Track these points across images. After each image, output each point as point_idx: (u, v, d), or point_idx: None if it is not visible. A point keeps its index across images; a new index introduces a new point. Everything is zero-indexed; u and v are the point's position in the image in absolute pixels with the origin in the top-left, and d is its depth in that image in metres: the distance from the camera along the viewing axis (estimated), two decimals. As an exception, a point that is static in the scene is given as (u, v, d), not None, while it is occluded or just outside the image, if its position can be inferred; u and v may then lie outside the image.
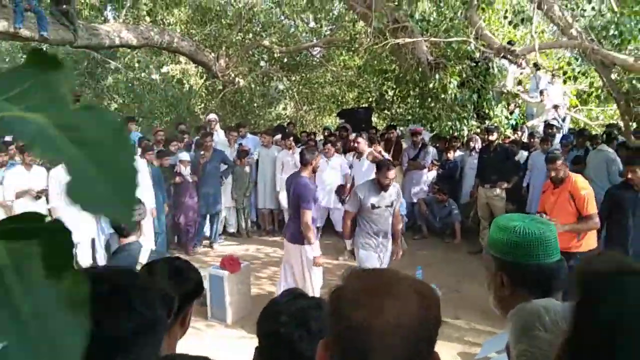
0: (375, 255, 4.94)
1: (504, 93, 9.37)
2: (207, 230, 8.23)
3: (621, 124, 8.06)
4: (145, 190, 6.84)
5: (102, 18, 14.15)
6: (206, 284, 5.56)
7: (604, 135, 7.38)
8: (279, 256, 7.54)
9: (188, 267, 1.81)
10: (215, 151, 8.02)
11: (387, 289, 0.82)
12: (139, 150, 7.53)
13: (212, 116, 9.70)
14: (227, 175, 8.25)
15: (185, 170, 7.65)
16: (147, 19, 14.08)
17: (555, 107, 9.16)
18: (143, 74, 14.76)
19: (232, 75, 13.87)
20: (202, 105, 15.39)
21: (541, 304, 1.30)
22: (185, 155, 7.70)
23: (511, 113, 9.81)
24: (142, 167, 6.93)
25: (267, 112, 15.72)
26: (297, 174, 4.97)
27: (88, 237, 6.71)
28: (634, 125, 6.94)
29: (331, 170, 8.42)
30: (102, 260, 7.01)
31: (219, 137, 8.98)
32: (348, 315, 0.79)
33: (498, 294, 1.45)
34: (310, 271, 4.85)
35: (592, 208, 4.31)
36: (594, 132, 8.63)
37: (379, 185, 4.79)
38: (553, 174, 4.39)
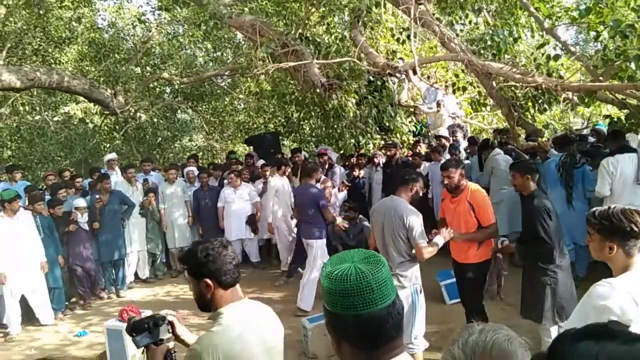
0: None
1: (400, 105, 9.71)
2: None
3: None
4: (33, 244, 6.31)
5: (-18, 61, 13.12)
6: (104, 339, 5.14)
7: (496, 141, 7.78)
8: (189, 297, 7.20)
9: None
10: (113, 192, 7.58)
11: None
12: (26, 201, 6.96)
13: (111, 155, 9.22)
14: (129, 217, 7.80)
15: (82, 218, 7.14)
16: (34, 58, 13.26)
17: (453, 116, 9.62)
18: (36, 117, 13.82)
19: (133, 110, 13.32)
20: (106, 143, 14.67)
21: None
22: (80, 202, 7.21)
23: (415, 124, 10.20)
24: (28, 219, 6.39)
25: (173, 146, 15.26)
26: (307, 184, 6.28)
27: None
28: (519, 128, 7.36)
29: (239, 200, 8.23)
30: None
31: (118, 177, 8.52)
32: None
33: (333, 348, 1.31)
34: (322, 259, 6.00)
35: (491, 217, 4.27)
36: (486, 137, 9.11)
37: None
38: (446, 181, 4.37)
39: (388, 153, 7.48)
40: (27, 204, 7.01)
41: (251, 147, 11.21)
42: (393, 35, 9.14)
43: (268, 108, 13.66)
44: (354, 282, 1.19)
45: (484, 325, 1.17)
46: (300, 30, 8.66)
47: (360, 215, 8.25)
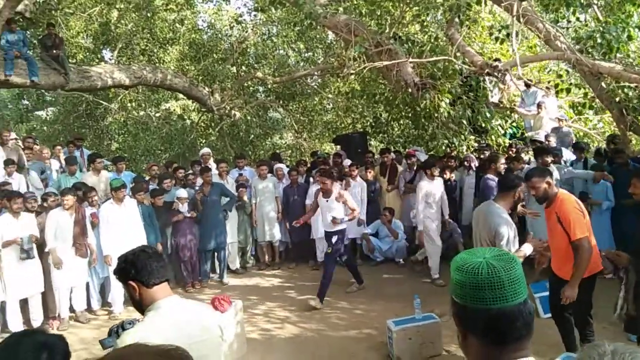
0: None
1: (499, 106, 9.27)
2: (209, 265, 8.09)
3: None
4: (137, 231, 6.77)
5: (97, 60, 14.30)
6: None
7: (608, 148, 7.15)
8: (276, 290, 7.38)
9: (52, 342, 1.71)
10: (214, 184, 7.92)
11: None
12: (130, 191, 7.47)
13: (206, 150, 9.67)
14: (230, 208, 8.11)
15: (183, 207, 7.55)
16: (141, 58, 14.25)
17: (558, 119, 9.01)
18: (140, 113, 14.86)
19: (228, 108, 13.91)
20: (202, 139, 15.44)
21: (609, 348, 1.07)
22: (182, 192, 7.60)
23: (514, 126, 9.73)
24: (133, 207, 6.86)
25: (264, 143, 15.73)
26: None
27: (82, 281, 6.61)
28: (631, 133, 6.76)
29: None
30: (96, 305, 6.89)
31: (213, 170, 8.90)
32: None
33: (459, 340, 1.29)
34: None
35: (577, 231, 3.77)
36: (593, 142, 8.47)
37: None
38: (532, 193, 4.06)
39: (482, 156, 7.13)
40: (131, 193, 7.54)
41: (338, 146, 11.27)
42: (491, 34, 8.76)
43: (356, 108, 13.68)
44: (485, 276, 1.20)
45: (614, 346, 1.07)
46: (394, 29, 8.55)
47: (450, 220, 8.01)
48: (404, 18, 9.59)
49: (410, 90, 7.96)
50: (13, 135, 8.70)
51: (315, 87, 15.33)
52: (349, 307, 6.39)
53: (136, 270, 2.04)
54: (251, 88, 15.66)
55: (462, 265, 1.25)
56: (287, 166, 9.33)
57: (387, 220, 8.07)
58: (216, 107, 13.69)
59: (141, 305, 2.08)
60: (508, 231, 3.77)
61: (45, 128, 16.97)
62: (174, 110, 15.71)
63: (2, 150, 7.93)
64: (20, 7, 10.75)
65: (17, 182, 7.49)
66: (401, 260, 8.15)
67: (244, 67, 15.15)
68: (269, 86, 15.04)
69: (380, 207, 8.56)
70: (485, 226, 3.85)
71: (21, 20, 11.08)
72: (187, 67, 14.67)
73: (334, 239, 6.45)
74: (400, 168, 8.77)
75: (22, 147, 8.38)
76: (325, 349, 5.21)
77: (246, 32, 15.14)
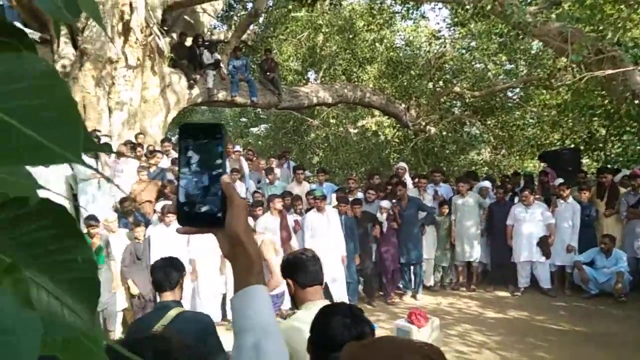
0: None
1: None
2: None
3: None
4: (337, 239, 7.12)
5: (304, 81, 15.60)
6: (393, 338, 5.46)
7: None
8: (471, 312, 7.05)
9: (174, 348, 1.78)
10: (411, 199, 7.96)
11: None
12: (333, 200, 7.88)
13: (402, 165, 9.76)
14: (429, 223, 8.06)
15: (382, 217, 7.73)
16: (342, 77, 15.12)
17: None
18: (339, 129, 15.76)
19: (423, 124, 13.91)
20: (395, 154, 15.71)
21: None
22: (385, 203, 7.78)
23: None
24: (334, 216, 7.25)
25: (459, 159, 15.29)
26: None
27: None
28: None
29: (531, 219, 7.69)
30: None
31: (408, 185, 8.94)
32: None
33: None
34: None
35: None
36: None
37: None
38: None
39: None
40: (332, 203, 7.97)
41: (544, 164, 10.37)
42: None
43: (565, 122, 12.45)
44: None
45: None
46: (618, 35, 7.59)
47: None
48: (631, 21, 8.44)
49: (637, 101, 6.95)
50: (237, 147, 9.94)
51: (518, 100, 14.42)
52: (556, 340, 5.78)
53: (293, 270, 2.28)
54: (447, 103, 15.42)
55: None
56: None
57: (606, 249, 7.12)
58: (411, 122, 13.81)
59: (295, 302, 2.32)
60: None
61: (259, 142, 19.09)
62: (370, 126, 16.29)
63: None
64: (244, 37, 12.34)
65: (238, 190, 8.52)
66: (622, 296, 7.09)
67: (440, 82, 15.02)
68: (467, 101, 14.62)
69: (597, 233, 7.62)
70: None
71: (244, 47, 12.69)
72: (384, 85, 15.10)
73: None
74: (622, 190, 7.70)
75: (245, 158, 9.50)
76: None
77: (444, 47, 15.00)
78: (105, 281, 6.00)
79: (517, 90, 14.53)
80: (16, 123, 0.30)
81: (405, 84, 14.61)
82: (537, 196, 8.02)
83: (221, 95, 10.46)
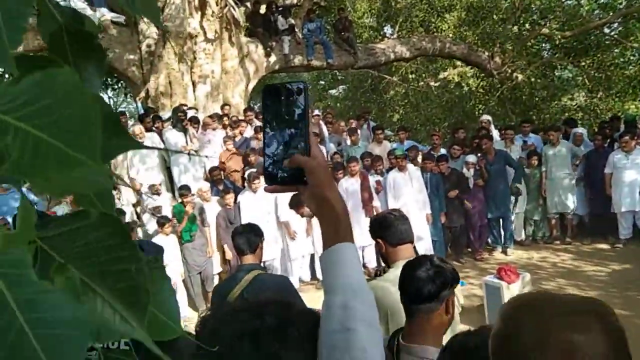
0: None
1: None
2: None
3: None
4: (421, 198, 7.06)
5: (380, 37, 15.23)
6: (482, 292, 5.40)
7: None
8: (566, 266, 6.78)
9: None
10: (498, 152, 7.66)
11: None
12: (419, 160, 7.76)
13: (485, 117, 9.38)
14: (519, 180, 7.66)
15: (469, 173, 7.54)
16: (420, 29, 14.57)
17: None
18: (419, 84, 15.31)
19: (509, 71, 13.15)
20: (481, 105, 15.05)
21: None
22: (472, 158, 7.57)
23: None
24: (417, 175, 7.17)
25: (551, 106, 14.34)
26: None
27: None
28: None
29: (632, 166, 7.14)
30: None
31: (495, 137, 8.59)
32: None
33: None
34: None
35: None
36: None
37: None
38: None
39: None
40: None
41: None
42: None
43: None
44: None
45: None
46: None
47: None
48: None
49: None
50: (316, 111, 10.03)
51: (616, 36, 13.14)
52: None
53: (382, 229, 2.33)
54: (535, 47, 14.39)
55: None
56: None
57: None
58: (496, 70, 13.10)
59: (387, 261, 2.36)
60: None
61: (338, 104, 19.07)
62: (452, 78, 15.66)
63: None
64: (317, -2, 12.22)
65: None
66: None
67: (526, 25, 14.01)
68: (557, 42, 13.55)
69: None
70: None
71: (317, 9, 12.56)
72: (465, 33, 14.35)
73: None
74: None
75: (325, 122, 9.58)
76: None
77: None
78: (200, 246, 6.51)
79: (615, 25, 13.21)
80: (45, 136, 0.35)
81: (487, 30, 13.78)
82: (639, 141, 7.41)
83: (297, 60, 10.53)
